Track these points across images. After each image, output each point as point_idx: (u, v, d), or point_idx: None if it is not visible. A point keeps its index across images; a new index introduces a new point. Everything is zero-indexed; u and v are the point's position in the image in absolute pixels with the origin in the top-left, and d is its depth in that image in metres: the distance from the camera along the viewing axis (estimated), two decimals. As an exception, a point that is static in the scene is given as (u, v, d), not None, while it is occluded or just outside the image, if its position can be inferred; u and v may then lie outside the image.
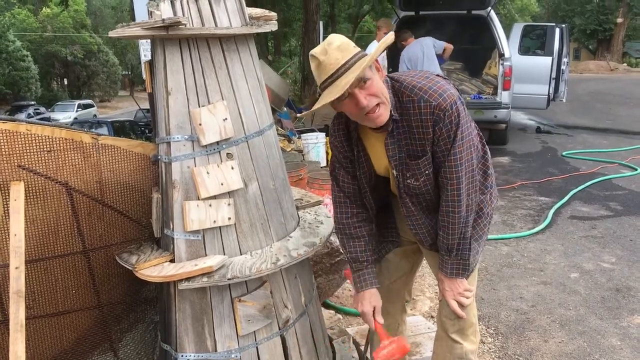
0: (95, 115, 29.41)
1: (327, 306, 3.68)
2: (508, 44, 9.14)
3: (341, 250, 2.22)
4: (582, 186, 6.87)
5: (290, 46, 38.07)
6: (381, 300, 2.17)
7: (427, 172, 1.93)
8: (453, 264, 2.03)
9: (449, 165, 1.88)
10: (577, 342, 3.32)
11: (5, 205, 2.01)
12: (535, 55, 10.50)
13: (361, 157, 2.04)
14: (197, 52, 2.01)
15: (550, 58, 10.10)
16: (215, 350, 2.08)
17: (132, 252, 2.20)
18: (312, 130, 8.69)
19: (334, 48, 1.76)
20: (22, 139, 1.99)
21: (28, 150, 2.01)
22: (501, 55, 8.83)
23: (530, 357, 3.18)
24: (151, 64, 2.15)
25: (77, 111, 29.15)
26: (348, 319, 3.59)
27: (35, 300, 2.20)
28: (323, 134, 8.24)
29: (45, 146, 2.03)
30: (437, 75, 1.93)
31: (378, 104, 1.79)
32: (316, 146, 8.08)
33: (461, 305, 2.07)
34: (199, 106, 2.02)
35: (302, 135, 8.42)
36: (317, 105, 1.78)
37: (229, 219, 2.07)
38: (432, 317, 3.60)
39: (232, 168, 2.06)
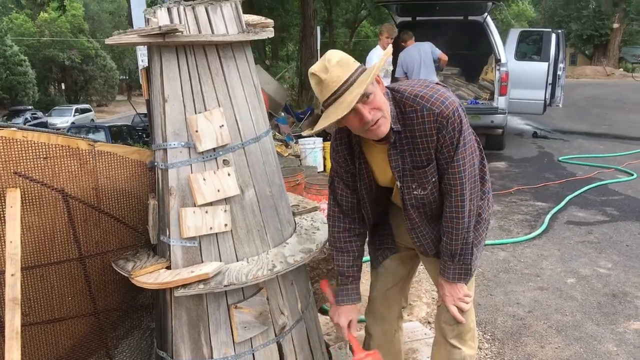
0: (92, 120, 29.38)
1: (324, 312, 3.68)
2: (504, 49, 9.18)
3: (333, 261, 2.24)
4: (579, 191, 6.89)
5: (287, 51, 38.13)
6: (358, 314, 2.22)
7: (433, 179, 1.95)
8: (455, 269, 2.05)
9: (452, 172, 1.90)
10: (574, 347, 3.32)
11: (1, 212, 2.01)
12: (532, 61, 10.53)
13: (362, 169, 2.05)
14: (194, 59, 2.02)
15: (547, 63, 10.13)
16: (212, 357, 2.08)
17: (128, 259, 2.20)
18: (310, 135, 8.70)
19: (334, 65, 1.75)
20: (19, 146, 1.99)
21: (24, 157, 2.01)
22: (497, 61, 8.86)
23: (527, 363, 3.18)
24: (148, 70, 2.15)
25: (74, 116, 29.12)
26: (345, 324, 3.58)
27: (31, 307, 2.19)
28: (320, 139, 8.26)
29: (41, 153, 2.04)
30: (436, 83, 1.94)
31: (380, 117, 1.80)
32: (313, 151, 8.09)
33: (461, 310, 2.09)
34: (196, 113, 2.02)
35: (299, 140, 8.44)
36: (323, 124, 1.77)
37: (226, 225, 2.07)
38: (429, 322, 3.60)
39: (229, 174, 2.07)
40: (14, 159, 1.99)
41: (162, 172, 2.08)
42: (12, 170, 1.99)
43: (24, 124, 23.02)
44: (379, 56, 7.29)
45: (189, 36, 1.96)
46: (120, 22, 43.88)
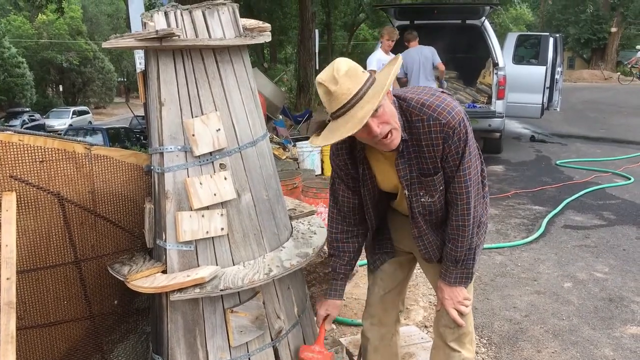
0: (90, 122, 29.31)
1: (321, 316, 3.67)
2: (502, 53, 9.19)
3: (328, 258, 2.30)
4: (576, 195, 6.89)
5: (286, 54, 38.20)
6: (338, 312, 2.31)
7: (441, 187, 1.96)
8: (457, 274, 2.07)
9: (458, 181, 1.91)
10: (570, 352, 3.32)
11: (-3, 216, 2.00)
12: (530, 65, 10.55)
13: (366, 175, 2.06)
14: (191, 63, 2.02)
15: (544, 67, 10.14)
16: (207, 362, 2.07)
17: (124, 263, 2.19)
18: (308, 139, 8.70)
19: (343, 75, 1.72)
20: (15, 149, 1.99)
21: (20, 161, 2.01)
22: (495, 65, 8.87)
23: (524, 367, 3.18)
24: (145, 74, 2.15)
25: (72, 118, 29.05)
26: (341, 328, 3.58)
27: (26, 311, 2.18)
28: (318, 142, 8.23)
29: (37, 156, 2.03)
30: (442, 91, 1.95)
31: (390, 130, 1.80)
32: (311, 154, 8.09)
33: (460, 313, 2.11)
34: (192, 117, 2.02)
35: (297, 143, 8.44)
36: (334, 138, 1.77)
37: (222, 229, 2.07)
38: (425, 327, 3.60)
39: (225, 178, 2.06)
40: (10, 162, 1.99)
41: (158, 176, 2.08)
42: (8, 174, 1.99)
43: (22, 126, 23.06)
44: (380, 60, 7.29)
45: (185, 40, 1.96)
46: (118, 24, 43.93)
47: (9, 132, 1.98)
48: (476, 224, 2.02)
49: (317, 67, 17.28)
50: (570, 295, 4.10)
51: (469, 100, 9.69)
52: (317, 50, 16.76)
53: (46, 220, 2.11)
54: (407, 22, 9.70)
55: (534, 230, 5.62)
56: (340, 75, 1.72)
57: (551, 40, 10.38)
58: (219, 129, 2.05)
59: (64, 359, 2.35)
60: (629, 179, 7.66)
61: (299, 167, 7.71)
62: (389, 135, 1.80)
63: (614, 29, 35.13)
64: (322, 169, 8.09)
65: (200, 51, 2.02)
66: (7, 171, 1.99)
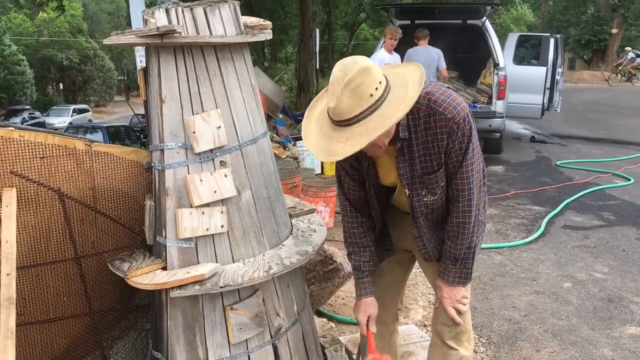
0: (90, 120, 29.30)
1: (320, 314, 3.68)
2: (503, 53, 9.19)
3: (348, 257, 2.25)
4: (576, 196, 6.90)
5: (286, 53, 38.19)
6: (377, 309, 2.21)
7: (442, 184, 1.95)
8: (456, 273, 2.07)
9: (460, 177, 1.91)
10: (569, 352, 3.32)
11: (-3, 212, 2.01)
12: (530, 65, 10.55)
13: (371, 169, 2.05)
14: (192, 60, 2.02)
15: (545, 68, 10.14)
16: (207, 359, 2.07)
17: (124, 259, 2.19)
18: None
19: (348, 91, 1.64)
20: (15, 145, 1.99)
21: (21, 157, 2.01)
22: (496, 65, 8.87)
23: (523, 366, 3.19)
24: (145, 71, 2.15)
25: (72, 116, 29.04)
26: (341, 327, 3.58)
27: (26, 307, 2.19)
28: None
29: (38, 152, 2.03)
30: (448, 87, 1.95)
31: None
32: (311, 153, 8.07)
33: (458, 312, 2.10)
34: (193, 114, 2.02)
35: (297, 142, 8.44)
36: (326, 158, 1.73)
37: (222, 226, 2.07)
38: (424, 325, 3.60)
39: (226, 176, 2.07)
40: (10, 158, 1.99)
41: (159, 173, 2.08)
42: (8, 170, 1.99)
43: (22, 124, 23.02)
44: (382, 59, 7.27)
45: (187, 37, 1.96)
46: (119, 22, 43.91)
47: (10, 128, 1.98)
48: (476, 222, 2.01)
49: (318, 67, 17.29)
50: (570, 296, 4.11)
51: (469, 100, 9.69)
52: (317, 50, 16.76)
53: (46, 217, 2.11)
54: (408, 22, 9.70)
55: (534, 231, 5.62)
56: (343, 90, 1.65)
57: (552, 40, 10.38)
58: (220, 127, 2.05)
59: (63, 355, 2.36)
60: (629, 179, 7.67)
61: (298, 166, 7.71)
62: (368, 150, 1.81)
63: (614, 30, 35.14)
64: (322, 168, 8.09)
65: (201, 48, 2.03)
66: (8, 167, 1.99)
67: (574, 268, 4.64)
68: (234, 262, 2.12)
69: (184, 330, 2.07)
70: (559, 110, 11.82)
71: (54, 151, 2.06)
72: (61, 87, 41.31)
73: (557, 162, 9.19)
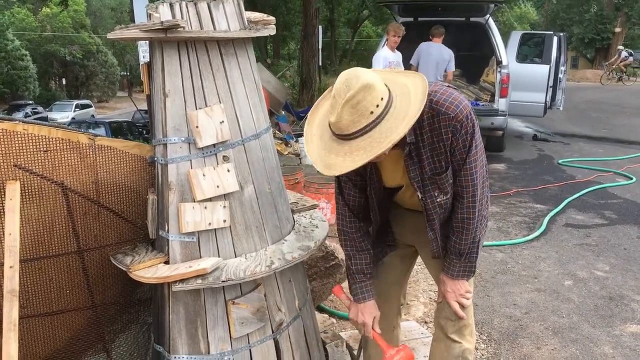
0: (93, 116, 29.35)
1: (321, 310, 3.69)
2: (506, 51, 9.18)
3: (346, 261, 2.24)
4: (578, 194, 6.90)
5: (289, 50, 38.16)
6: (379, 311, 2.21)
7: (451, 181, 1.96)
8: (460, 267, 2.08)
9: (465, 174, 1.92)
10: (570, 349, 3.33)
11: (1, 204, 2.01)
12: (533, 63, 10.53)
13: (373, 174, 2.06)
14: (195, 55, 2.02)
15: (548, 66, 10.13)
16: (208, 353, 2.08)
17: (127, 253, 2.20)
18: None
19: (349, 107, 1.64)
20: (19, 139, 2.00)
21: (24, 150, 2.01)
22: (499, 63, 8.86)
23: (523, 364, 3.19)
24: (149, 66, 2.16)
25: (74, 111, 29.08)
26: (342, 323, 3.59)
27: (29, 300, 2.20)
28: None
29: (41, 146, 2.04)
30: (448, 85, 1.95)
31: None
32: (313, 151, 8.07)
33: (461, 306, 2.12)
34: (196, 109, 2.03)
35: (299, 139, 8.44)
36: (337, 171, 1.71)
37: (224, 221, 2.08)
38: (425, 322, 3.61)
39: (228, 171, 2.07)
40: (14, 151, 1.99)
41: (161, 167, 2.09)
42: (12, 163, 2.00)
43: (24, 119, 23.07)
44: (386, 58, 7.26)
45: (190, 32, 1.96)
46: (122, 17, 43.88)
47: (14, 122, 1.99)
48: (480, 217, 2.02)
49: (320, 64, 17.27)
50: (571, 293, 4.11)
51: (471, 98, 9.68)
52: (320, 47, 16.74)
53: (49, 210, 2.12)
54: (411, 19, 9.69)
55: (535, 229, 5.63)
56: (344, 106, 1.64)
57: (555, 39, 10.37)
58: (223, 121, 2.05)
59: (65, 347, 2.37)
60: (631, 178, 7.67)
61: (300, 163, 7.71)
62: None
63: (618, 29, 35.06)
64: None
65: (204, 43, 2.03)
66: (12, 160, 1.99)
67: (575, 266, 4.65)
68: (236, 256, 2.12)
69: (186, 324, 2.08)
70: (561, 108, 11.81)
71: (58, 145, 2.07)
72: (64, 82, 41.35)
73: (559, 161, 9.19)
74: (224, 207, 2.07)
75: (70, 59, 38.50)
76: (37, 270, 2.17)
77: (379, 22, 29.64)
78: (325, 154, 1.75)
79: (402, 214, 2.24)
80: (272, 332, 2.20)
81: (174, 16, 1.97)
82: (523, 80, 9.74)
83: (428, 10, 9.73)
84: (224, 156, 2.08)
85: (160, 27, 1.88)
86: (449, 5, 9.67)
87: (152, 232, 2.18)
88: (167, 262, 2.08)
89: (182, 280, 1.95)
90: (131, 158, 2.24)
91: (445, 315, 2.18)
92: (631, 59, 26.14)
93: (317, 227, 2.45)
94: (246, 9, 2.17)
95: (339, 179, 2.15)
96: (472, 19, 9.46)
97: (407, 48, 7.91)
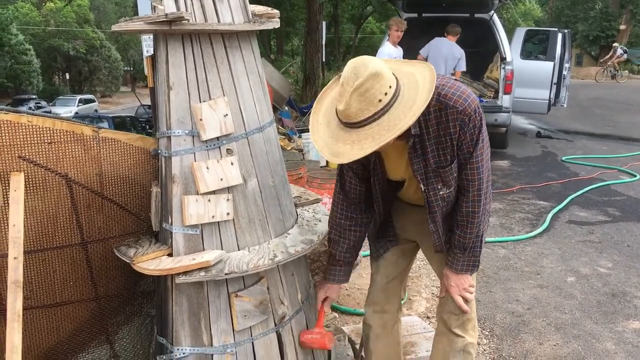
0: (96, 111, 29.41)
1: (324, 305, 3.69)
2: (510, 48, 9.15)
3: (327, 243, 2.32)
4: (581, 191, 6.88)
5: (292, 46, 38.12)
6: (337, 296, 2.34)
7: (455, 174, 1.96)
8: (464, 261, 2.09)
9: (471, 168, 1.92)
10: (572, 345, 3.33)
11: (5, 196, 2.02)
12: (537, 60, 10.49)
13: (377, 164, 2.05)
14: (200, 48, 2.02)
15: (552, 63, 10.10)
16: (211, 345, 2.09)
17: (130, 245, 2.21)
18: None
19: (356, 95, 1.64)
20: (23, 130, 2.00)
21: (29, 142, 2.01)
22: (503, 59, 8.84)
23: (525, 359, 3.19)
24: (153, 58, 2.16)
25: (78, 106, 29.15)
26: (344, 317, 3.60)
27: (32, 291, 2.20)
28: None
29: (46, 138, 2.04)
30: (455, 79, 1.95)
31: None
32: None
33: (465, 300, 2.13)
34: (200, 101, 2.03)
35: (302, 134, 8.44)
36: (345, 159, 1.72)
37: (228, 214, 2.08)
38: (428, 317, 3.61)
39: (232, 164, 2.07)
40: (18, 143, 2.00)
41: (165, 160, 2.09)
42: (16, 154, 2.00)
43: (28, 113, 23.10)
44: (390, 54, 7.25)
45: (195, 24, 1.96)
46: (125, 12, 43.81)
47: (19, 113, 1.99)
48: (485, 211, 2.03)
49: (324, 60, 17.25)
50: (573, 290, 4.11)
51: (475, 94, 9.64)
52: (324, 43, 16.71)
53: (54, 202, 2.12)
54: (415, 15, 9.67)
55: (538, 225, 5.62)
56: (352, 94, 1.64)
57: (559, 35, 10.33)
58: (227, 114, 2.05)
59: (69, 339, 2.38)
60: (635, 176, 7.65)
61: (304, 158, 7.71)
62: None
63: (622, 27, 34.88)
64: (327, 160, 8.09)
65: (209, 36, 2.03)
66: (16, 152, 2.00)
67: (578, 263, 4.64)
68: (239, 249, 2.13)
69: (189, 317, 2.09)
70: (565, 105, 11.77)
71: (62, 137, 2.07)
72: (67, 77, 41.39)
73: (563, 158, 9.17)
74: (228, 200, 2.08)
75: (74, 54, 38.53)
76: (41, 261, 2.18)
77: (383, 19, 29.54)
78: (332, 142, 1.75)
79: (404, 208, 2.24)
80: (275, 325, 2.20)
81: (178, 9, 1.97)
82: (527, 77, 9.71)
83: (433, 6, 9.70)
84: (227, 149, 2.08)
85: (164, 19, 1.88)
86: (454, 1, 9.63)
87: (155, 224, 2.19)
88: (170, 255, 2.09)
89: (185, 273, 1.96)
90: (135, 150, 2.24)
91: (449, 309, 2.18)
92: (625, 56, 26.04)
93: (320, 221, 2.46)
94: (250, 3, 2.16)
95: (341, 166, 2.15)
96: (476, 15, 9.43)
97: (408, 43, 7.89)
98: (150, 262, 2.04)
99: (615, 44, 27.12)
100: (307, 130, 8.65)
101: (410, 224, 2.26)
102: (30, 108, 26.04)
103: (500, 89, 8.95)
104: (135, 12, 8.39)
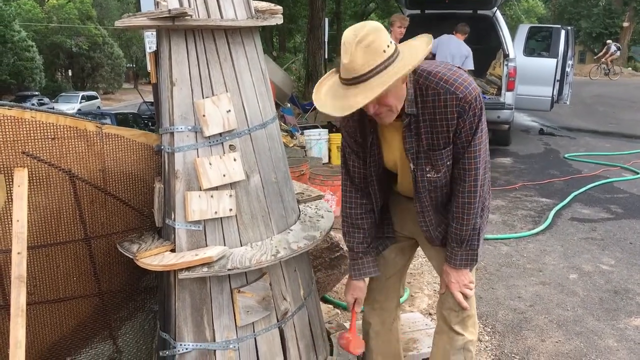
0: (98, 107, 29.37)
1: (326, 301, 3.70)
2: (513, 44, 9.13)
3: (344, 238, 2.28)
4: (584, 188, 6.87)
5: (295, 43, 38.05)
6: (364, 293, 2.28)
7: (448, 162, 1.96)
8: (462, 255, 2.08)
9: (468, 157, 1.92)
10: (574, 342, 3.33)
11: (9, 191, 2.03)
12: (540, 57, 10.46)
13: (374, 145, 2.05)
14: (203, 44, 2.03)
15: (555, 60, 10.07)
16: (214, 340, 2.10)
17: (133, 241, 2.22)
18: (315, 127, 8.70)
19: (361, 47, 1.67)
20: (27, 126, 2.01)
21: (32, 137, 2.02)
22: (506, 56, 8.82)
23: (527, 356, 3.19)
24: (156, 54, 2.16)
25: (80, 102, 29.15)
26: (346, 313, 3.60)
27: (36, 286, 2.21)
28: (326, 131, 8.26)
29: (49, 133, 2.05)
30: (459, 67, 1.95)
31: (384, 110, 1.81)
32: (318, 142, 8.09)
33: (465, 296, 2.13)
34: (203, 97, 2.03)
35: (304, 131, 8.44)
36: (328, 111, 1.77)
37: (230, 210, 2.09)
38: (430, 314, 3.62)
39: (235, 160, 2.08)
40: (22, 138, 2.00)
41: (168, 156, 2.09)
42: (20, 150, 2.01)
43: (31, 110, 23.11)
44: None
45: (198, 20, 1.96)
46: (128, 9, 43.76)
47: (22, 109, 2.00)
48: (481, 204, 2.02)
49: (326, 56, 17.21)
50: (576, 287, 4.11)
51: (478, 91, 9.63)
52: (326, 40, 16.67)
53: (57, 197, 2.13)
54: (418, 11, 9.65)
55: (541, 222, 5.61)
56: (357, 47, 1.67)
57: (563, 32, 10.30)
58: (230, 110, 2.05)
59: (72, 334, 2.39)
60: (637, 173, 7.64)
61: (306, 155, 7.71)
62: (380, 114, 1.82)
63: (626, 24, 34.76)
64: (330, 157, 8.10)
65: (212, 32, 2.03)
66: (20, 147, 2.01)
67: (580, 260, 4.64)
68: (241, 245, 2.13)
69: (192, 312, 2.09)
70: (568, 102, 11.75)
71: (65, 132, 2.08)
72: (70, 73, 41.38)
73: (566, 155, 9.16)
74: (230, 196, 2.08)
75: (77, 51, 38.54)
76: (45, 257, 2.19)
77: (386, 15, 29.46)
78: (339, 101, 1.76)
79: (402, 205, 2.24)
80: (277, 321, 2.21)
81: (181, 4, 1.97)
82: (530, 74, 9.69)
83: (435, 3, 9.68)
84: (230, 145, 2.08)
85: (168, 15, 1.89)
86: (457, -2, 9.62)
87: (158, 220, 2.19)
88: (173, 250, 2.10)
89: (188, 268, 1.96)
90: (138, 146, 2.24)
91: (449, 306, 2.18)
92: (619, 53, 25.97)
93: (322, 217, 2.46)
94: (253, -1, 2.16)
95: (344, 152, 2.16)
96: (479, 12, 9.41)
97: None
98: (153, 257, 2.05)
99: (609, 42, 27.03)
100: (310, 127, 8.67)
101: (408, 220, 2.25)
102: (33, 104, 26.02)
103: (503, 86, 8.94)
104: (138, 9, 8.39)
